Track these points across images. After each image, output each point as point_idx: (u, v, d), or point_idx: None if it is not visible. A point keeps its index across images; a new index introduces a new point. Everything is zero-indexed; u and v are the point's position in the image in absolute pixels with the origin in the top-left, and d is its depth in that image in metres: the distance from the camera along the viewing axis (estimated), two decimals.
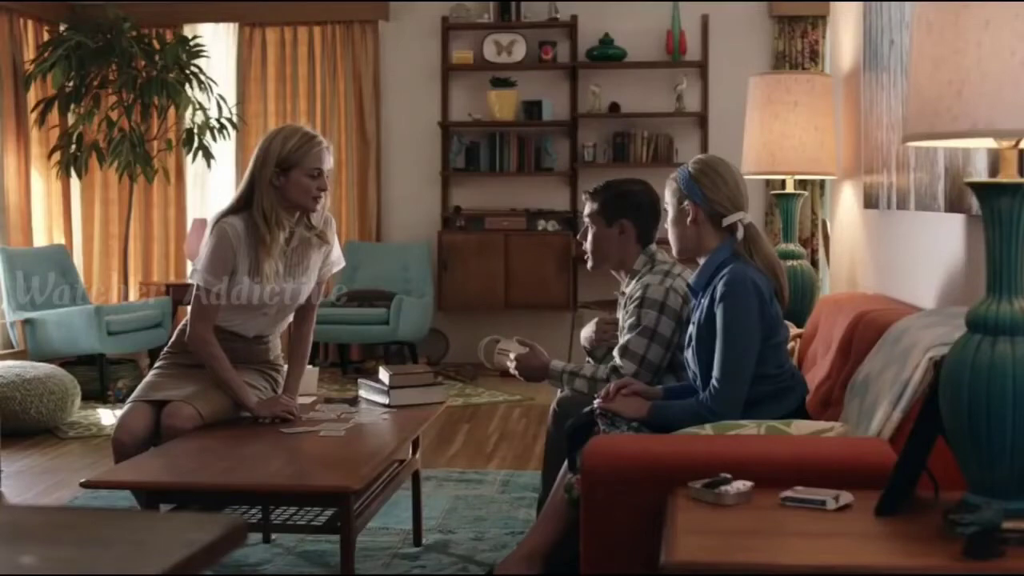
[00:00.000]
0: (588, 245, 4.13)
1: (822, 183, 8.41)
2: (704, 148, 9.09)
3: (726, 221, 3.38)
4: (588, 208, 4.14)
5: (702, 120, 9.16)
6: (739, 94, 8.84)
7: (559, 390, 4.14)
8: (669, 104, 9.15)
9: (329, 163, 4.11)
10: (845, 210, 5.20)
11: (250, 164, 4.10)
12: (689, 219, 3.41)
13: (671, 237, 3.49)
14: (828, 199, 7.07)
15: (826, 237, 7.51)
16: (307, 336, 4.36)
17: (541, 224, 9.22)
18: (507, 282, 9.04)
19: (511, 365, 4.15)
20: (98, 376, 7.72)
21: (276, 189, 4.02)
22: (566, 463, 3.54)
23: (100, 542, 1.21)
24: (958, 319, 3.01)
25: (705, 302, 3.31)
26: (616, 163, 9.12)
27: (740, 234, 3.36)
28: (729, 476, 2.51)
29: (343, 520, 3.35)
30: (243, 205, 4.07)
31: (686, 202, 3.41)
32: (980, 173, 3.14)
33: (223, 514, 1.30)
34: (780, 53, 9.00)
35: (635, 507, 2.68)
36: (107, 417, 7.20)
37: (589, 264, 4.18)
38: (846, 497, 2.42)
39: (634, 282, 4.04)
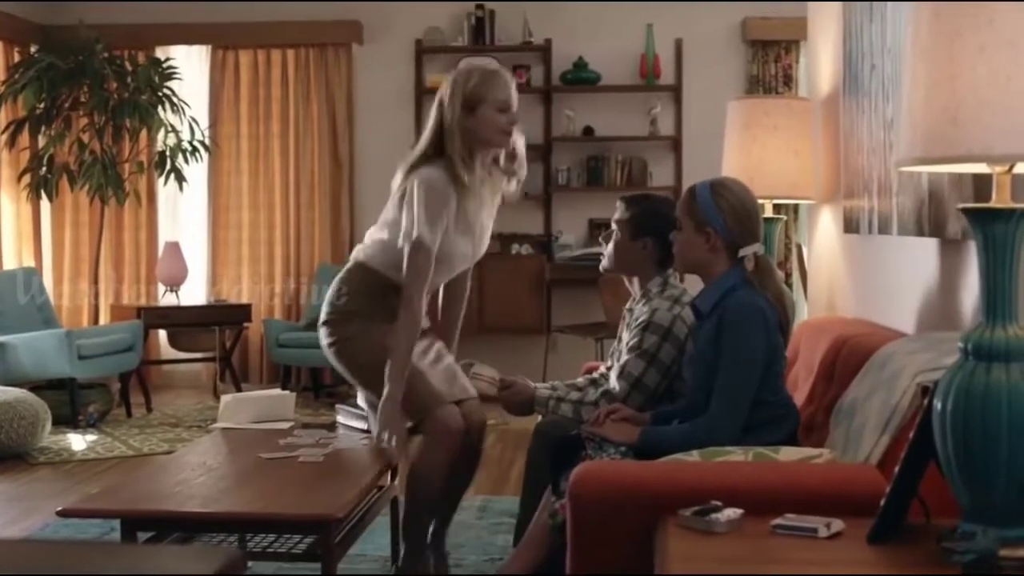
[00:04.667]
0: (608, 247, 4.09)
1: (795, 207, 8.43)
2: (678, 172, 9.10)
3: (742, 252, 3.36)
4: (619, 214, 4.08)
5: (676, 144, 9.16)
6: (713, 118, 8.87)
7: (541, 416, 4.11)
8: (643, 128, 9.15)
9: (516, 95, 3.97)
10: (824, 235, 5.20)
11: (433, 113, 3.96)
12: (707, 245, 3.38)
13: (678, 250, 3.46)
14: (803, 224, 7.07)
15: (801, 261, 7.50)
16: (464, 297, 4.40)
17: (515, 248, 9.19)
18: (480, 306, 8.97)
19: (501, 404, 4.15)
20: (69, 401, 7.62)
21: (465, 131, 3.88)
22: (549, 487, 3.51)
23: None
24: (944, 344, 3.01)
25: (710, 325, 3.29)
26: (590, 187, 9.13)
27: (751, 265, 3.34)
28: (720, 504, 2.49)
29: (324, 549, 3.30)
30: (429, 157, 3.92)
31: (708, 228, 3.38)
32: (967, 198, 3.13)
33: (220, 547, 1.27)
34: (754, 77, 9.02)
35: (624, 534, 2.66)
36: (78, 442, 7.11)
37: (602, 265, 4.14)
38: (837, 524, 2.40)
39: (643, 303, 4.01)
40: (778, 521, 2.42)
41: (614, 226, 4.09)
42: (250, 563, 4.33)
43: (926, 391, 2.83)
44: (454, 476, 4.03)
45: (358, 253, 4.13)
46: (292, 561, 3.68)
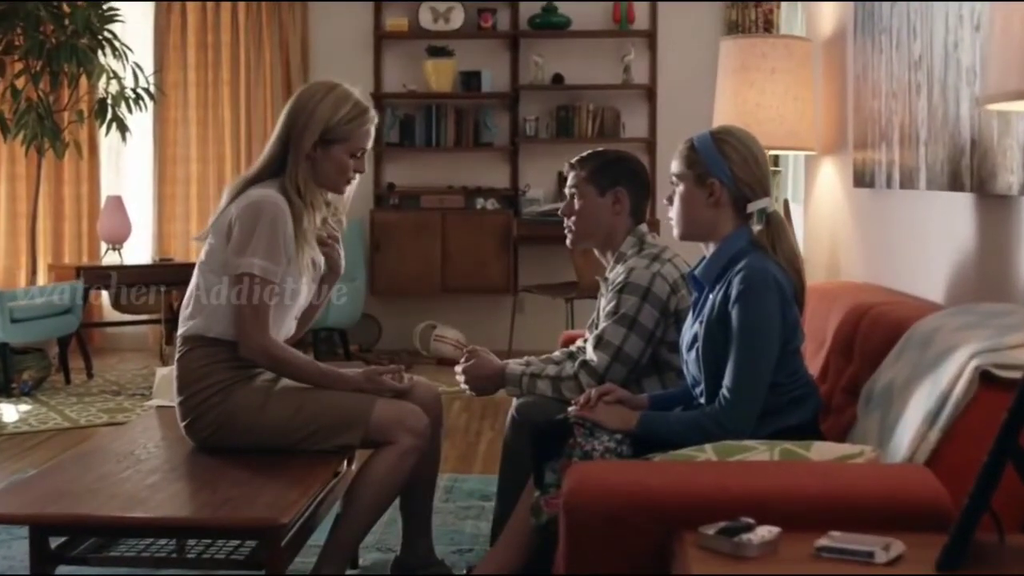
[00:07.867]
0: (572, 218, 3.63)
1: (775, 159, 7.98)
2: (653, 122, 8.68)
3: (751, 207, 2.88)
4: (574, 177, 3.64)
5: (650, 93, 8.72)
6: (690, 65, 8.47)
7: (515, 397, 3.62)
8: (616, 76, 8.70)
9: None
10: (825, 189, 4.74)
11: (282, 123, 3.39)
12: (710, 199, 2.90)
13: (677, 214, 2.97)
14: (792, 176, 6.62)
15: (787, 218, 7.07)
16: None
17: (480, 202, 8.76)
18: (444, 264, 8.58)
19: (460, 380, 3.66)
20: (1, 368, 7.10)
21: (310, 161, 3.37)
22: (531, 479, 3.04)
23: None
24: (1001, 318, 2.55)
25: (717, 298, 2.81)
26: (560, 138, 8.70)
27: (759, 223, 2.86)
28: (752, 521, 2.03)
29: (268, 556, 2.82)
30: (270, 174, 3.37)
31: (711, 180, 2.90)
32: (1021, 144, 2.66)
33: None
34: (733, 23, 8.55)
35: (630, 554, 2.20)
36: (9, 413, 6.58)
37: (570, 239, 3.68)
38: (897, 547, 1.95)
39: (619, 266, 3.55)
40: (823, 542, 1.97)
41: (572, 192, 3.63)
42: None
43: (986, 377, 2.39)
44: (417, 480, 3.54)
45: (190, 326, 3.54)
46: (233, 568, 3.20)
